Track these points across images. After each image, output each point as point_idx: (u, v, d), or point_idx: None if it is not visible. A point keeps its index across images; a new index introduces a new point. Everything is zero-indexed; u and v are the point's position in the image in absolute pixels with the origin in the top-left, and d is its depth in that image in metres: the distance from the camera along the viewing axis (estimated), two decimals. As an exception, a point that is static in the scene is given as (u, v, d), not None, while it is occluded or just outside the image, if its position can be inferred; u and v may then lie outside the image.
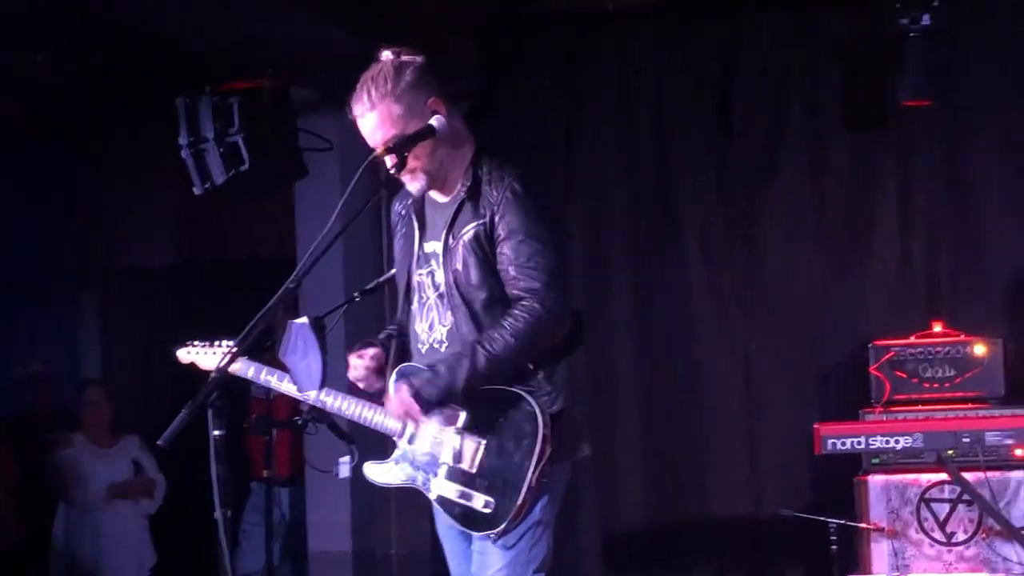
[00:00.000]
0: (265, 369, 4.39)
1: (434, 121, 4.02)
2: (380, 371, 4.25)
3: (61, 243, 9.47)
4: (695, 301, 7.59)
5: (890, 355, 6.83)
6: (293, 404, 6.85)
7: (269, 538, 7.08)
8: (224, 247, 9.16)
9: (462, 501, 4.01)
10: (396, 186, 4.22)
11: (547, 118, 7.74)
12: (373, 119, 4.02)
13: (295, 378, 3.94)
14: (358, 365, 4.25)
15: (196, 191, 7.20)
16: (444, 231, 4.11)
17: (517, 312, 3.97)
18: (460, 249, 4.06)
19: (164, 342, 8.86)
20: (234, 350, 3.63)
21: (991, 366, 6.75)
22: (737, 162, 7.59)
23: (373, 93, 4.02)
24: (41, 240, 9.08)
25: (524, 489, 3.94)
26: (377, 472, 4.23)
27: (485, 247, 4.04)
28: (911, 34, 6.83)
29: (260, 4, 6.43)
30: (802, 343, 7.47)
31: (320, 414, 6.59)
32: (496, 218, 4.02)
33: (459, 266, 4.06)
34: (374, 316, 6.96)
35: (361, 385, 4.26)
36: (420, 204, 4.23)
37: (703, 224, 7.59)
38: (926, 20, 6.82)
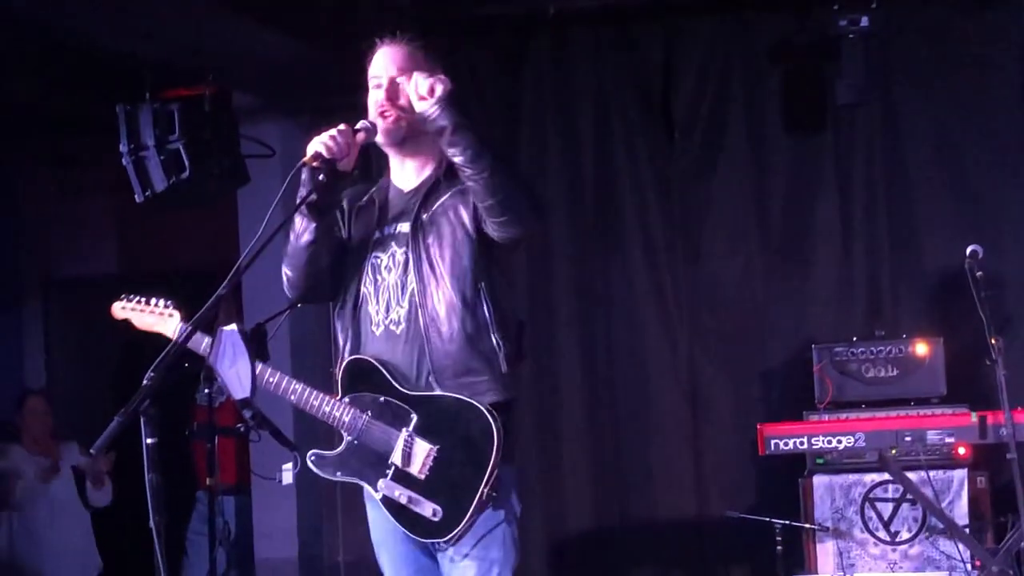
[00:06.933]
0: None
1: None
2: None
3: (1, 254, 9.39)
4: (638, 305, 7.60)
5: (833, 356, 6.88)
6: (236, 411, 6.85)
7: (212, 547, 7.04)
8: (165, 256, 9.08)
9: (409, 505, 3.95)
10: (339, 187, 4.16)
11: (487, 123, 7.70)
12: (401, 52, 4.07)
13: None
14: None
15: (137, 199, 7.12)
16: (415, 210, 4.06)
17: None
18: (438, 223, 4.02)
19: (104, 351, 8.90)
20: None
21: (932, 366, 6.81)
22: (679, 165, 7.61)
23: (403, 40, 4.10)
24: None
25: (475, 500, 3.88)
26: (322, 464, 4.10)
27: (464, 218, 4.01)
28: (850, 36, 6.88)
29: (201, 10, 6.37)
30: (746, 345, 7.50)
31: (263, 421, 6.59)
32: None
33: (433, 239, 4.01)
34: (317, 321, 6.96)
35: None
36: (384, 193, 4.18)
37: (645, 228, 7.60)
38: (864, 22, 6.85)
